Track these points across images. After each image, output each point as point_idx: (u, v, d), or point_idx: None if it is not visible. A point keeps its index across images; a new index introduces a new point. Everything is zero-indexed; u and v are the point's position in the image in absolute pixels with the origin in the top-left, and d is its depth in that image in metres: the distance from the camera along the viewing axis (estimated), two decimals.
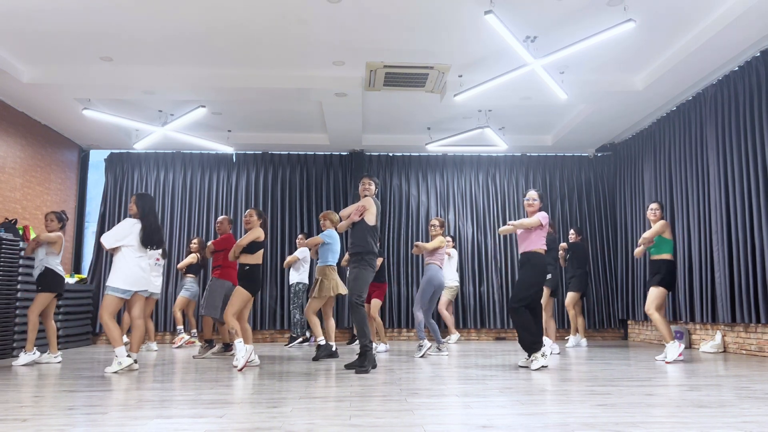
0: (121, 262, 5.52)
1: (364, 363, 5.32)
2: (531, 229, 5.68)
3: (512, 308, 5.57)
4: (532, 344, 5.49)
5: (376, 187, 5.80)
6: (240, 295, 5.75)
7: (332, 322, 6.98)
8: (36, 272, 6.34)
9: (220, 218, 7.45)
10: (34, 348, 6.24)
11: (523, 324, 5.52)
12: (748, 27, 5.99)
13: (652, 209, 6.51)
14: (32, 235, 7.60)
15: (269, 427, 2.89)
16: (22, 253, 7.19)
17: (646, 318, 9.09)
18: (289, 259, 8.74)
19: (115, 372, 5.31)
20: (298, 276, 8.80)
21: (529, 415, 3.16)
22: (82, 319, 8.98)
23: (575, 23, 6.28)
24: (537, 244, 5.65)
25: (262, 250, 5.98)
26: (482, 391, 4.04)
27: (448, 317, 9.28)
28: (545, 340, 7.51)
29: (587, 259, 8.81)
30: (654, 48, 6.89)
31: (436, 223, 7.18)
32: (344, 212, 5.70)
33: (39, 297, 6.17)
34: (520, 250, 5.77)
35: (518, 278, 5.71)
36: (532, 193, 5.81)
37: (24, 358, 6.12)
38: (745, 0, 5.63)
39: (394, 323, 10.09)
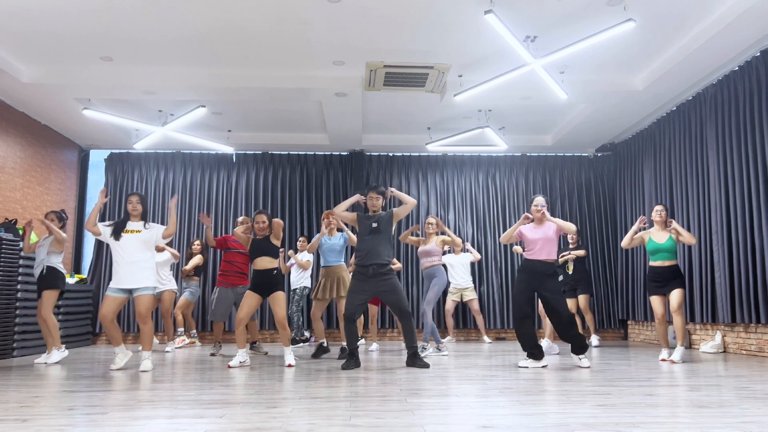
0: (153, 262, 5.69)
1: (418, 362, 5.68)
2: (556, 236, 5.70)
3: (570, 323, 5.53)
4: (581, 347, 5.60)
5: (383, 202, 5.93)
6: (284, 299, 5.85)
7: (321, 324, 7.06)
8: (37, 271, 6.34)
9: (241, 218, 7.47)
10: (63, 346, 6.37)
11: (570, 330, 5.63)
12: (747, 27, 5.99)
13: (658, 211, 6.32)
14: (32, 236, 7.59)
15: (269, 427, 2.89)
16: (22, 253, 7.19)
17: (646, 318, 9.09)
18: (303, 263, 8.56)
19: (149, 370, 5.43)
20: (300, 278, 8.68)
21: (529, 415, 3.16)
22: (82, 319, 8.98)
23: (575, 23, 6.28)
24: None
25: None
26: (482, 391, 4.04)
27: (452, 323, 9.42)
28: (545, 340, 7.51)
29: (587, 260, 8.83)
30: (654, 48, 6.89)
31: (433, 221, 7.18)
32: (344, 208, 5.86)
33: (47, 296, 6.24)
34: (543, 257, 5.61)
35: (555, 290, 5.53)
36: (540, 199, 5.76)
37: (56, 355, 6.23)
38: (744, 0, 5.64)
39: (395, 323, 10.08)
